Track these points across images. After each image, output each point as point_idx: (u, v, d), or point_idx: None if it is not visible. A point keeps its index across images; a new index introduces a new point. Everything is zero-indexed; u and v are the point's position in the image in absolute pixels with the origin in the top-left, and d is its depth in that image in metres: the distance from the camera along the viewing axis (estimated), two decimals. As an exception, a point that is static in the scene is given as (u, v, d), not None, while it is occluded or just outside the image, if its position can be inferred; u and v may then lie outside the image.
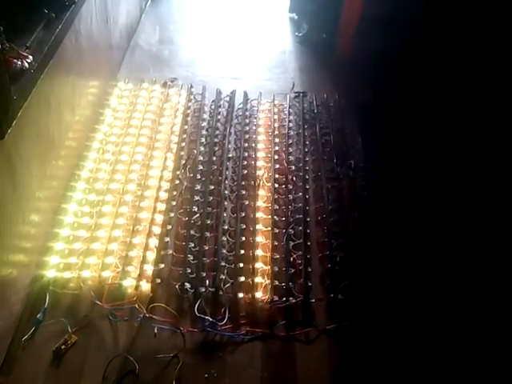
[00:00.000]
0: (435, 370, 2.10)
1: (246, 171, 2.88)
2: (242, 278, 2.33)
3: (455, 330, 2.23)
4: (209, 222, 2.57)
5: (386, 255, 2.50)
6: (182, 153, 2.94)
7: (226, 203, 2.69)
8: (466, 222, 2.67)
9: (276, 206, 2.68)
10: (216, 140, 3.07)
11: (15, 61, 1.86)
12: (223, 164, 2.91)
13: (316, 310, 2.28)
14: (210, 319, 2.16)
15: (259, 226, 2.57)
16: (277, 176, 2.87)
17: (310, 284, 2.34)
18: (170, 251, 2.41)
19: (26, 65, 1.91)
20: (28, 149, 2.05)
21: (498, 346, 2.17)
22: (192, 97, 3.40)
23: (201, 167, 2.87)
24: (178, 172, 2.81)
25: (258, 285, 2.33)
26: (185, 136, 3.06)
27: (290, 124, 3.26)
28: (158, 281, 2.28)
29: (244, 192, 2.75)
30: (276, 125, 3.25)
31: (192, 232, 2.50)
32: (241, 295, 2.28)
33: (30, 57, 1.94)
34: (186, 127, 3.13)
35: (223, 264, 2.39)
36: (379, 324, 2.23)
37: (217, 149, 3.02)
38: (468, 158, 2.96)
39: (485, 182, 2.77)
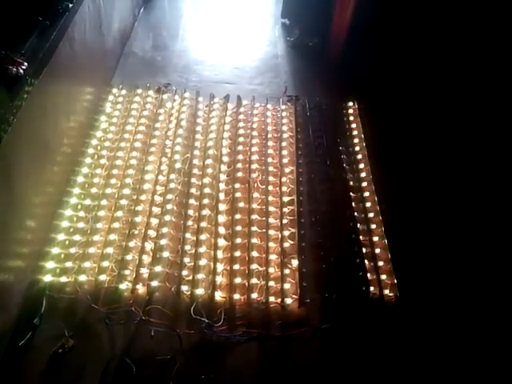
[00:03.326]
0: (430, 368, 2.13)
1: (240, 174, 2.91)
2: (238, 280, 2.36)
3: (452, 329, 2.27)
4: (204, 224, 2.59)
5: (379, 254, 2.54)
6: (177, 157, 2.97)
7: (220, 206, 2.71)
8: (465, 223, 2.71)
9: (270, 208, 2.71)
10: (210, 144, 3.10)
11: (11, 67, 1.89)
12: (217, 167, 2.94)
13: (311, 310, 2.31)
14: (207, 321, 2.19)
15: (254, 228, 2.60)
16: (270, 179, 2.90)
17: (304, 284, 2.37)
18: (166, 254, 2.43)
19: (22, 71, 1.93)
20: (24, 154, 2.07)
21: (496, 351, 2.20)
22: (186, 102, 3.43)
23: (195, 171, 2.90)
24: (173, 176, 2.83)
25: (254, 286, 2.35)
26: (179, 140, 3.09)
27: (283, 127, 3.30)
28: (154, 284, 2.30)
29: (238, 195, 2.77)
30: (269, 128, 3.29)
31: (187, 235, 2.52)
32: (236, 296, 2.31)
33: (26, 63, 1.97)
34: (180, 132, 3.16)
35: (219, 266, 2.41)
36: (373, 322, 2.26)
37: (211, 153, 3.05)
38: (466, 160, 3.01)
39: (484, 188, 2.82)
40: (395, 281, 2.42)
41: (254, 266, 2.42)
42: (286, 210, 2.73)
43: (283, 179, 2.90)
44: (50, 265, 2.30)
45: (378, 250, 2.55)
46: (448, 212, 2.79)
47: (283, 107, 3.47)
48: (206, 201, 2.71)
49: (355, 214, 2.73)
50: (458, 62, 3.23)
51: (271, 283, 2.36)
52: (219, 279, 2.36)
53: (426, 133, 3.27)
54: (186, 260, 2.42)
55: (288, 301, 2.31)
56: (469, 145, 3.04)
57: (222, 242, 2.53)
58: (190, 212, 2.64)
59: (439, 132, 3.24)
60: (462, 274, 2.48)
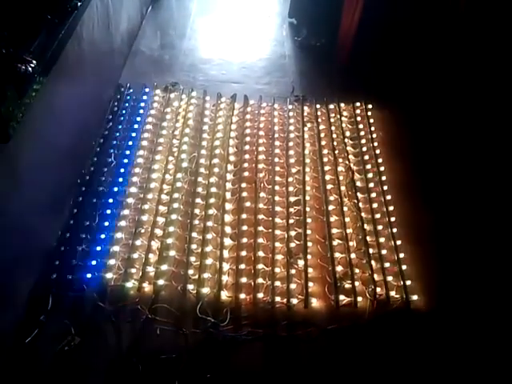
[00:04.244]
0: (434, 371, 2.12)
1: (246, 174, 2.91)
2: (244, 279, 2.36)
3: (457, 333, 2.25)
4: (210, 224, 2.59)
5: (385, 256, 2.53)
6: (184, 156, 2.97)
7: (227, 205, 2.71)
8: (475, 222, 2.70)
9: (276, 208, 2.70)
10: (217, 143, 3.10)
11: (19, 65, 1.89)
12: (224, 167, 2.94)
13: (317, 311, 2.30)
14: (212, 320, 2.19)
15: (260, 228, 2.59)
16: (277, 178, 2.89)
17: (310, 284, 2.37)
18: (172, 253, 2.43)
19: (30, 69, 1.93)
20: (31, 152, 2.07)
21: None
22: (193, 101, 3.43)
23: (202, 170, 2.90)
24: (180, 175, 2.83)
25: (260, 286, 2.35)
26: (186, 140, 3.09)
27: (290, 127, 3.29)
28: (160, 282, 2.30)
29: (245, 194, 2.77)
30: (276, 128, 3.28)
31: (194, 234, 2.52)
32: (242, 296, 2.30)
33: (34, 62, 1.96)
34: (187, 131, 3.16)
35: (225, 265, 2.41)
36: (379, 324, 2.25)
37: (218, 152, 3.05)
38: (471, 161, 2.99)
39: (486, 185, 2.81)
40: (401, 283, 2.41)
41: (260, 266, 2.42)
42: (292, 210, 2.72)
43: (290, 179, 2.90)
44: (57, 262, 2.31)
45: (384, 251, 2.54)
46: (462, 213, 2.78)
47: (290, 107, 3.46)
48: (212, 200, 2.71)
49: (362, 214, 2.72)
50: (467, 60, 3.20)
51: (277, 283, 2.35)
52: (225, 278, 2.36)
53: (439, 132, 3.25)
54: (192, 259, 2.42)
55: (294, 301, 2.31)
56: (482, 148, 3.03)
57: (228, 242, 2.53)
58: (197, 211, 2.64)
59: (451, 131, 3.22)
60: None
